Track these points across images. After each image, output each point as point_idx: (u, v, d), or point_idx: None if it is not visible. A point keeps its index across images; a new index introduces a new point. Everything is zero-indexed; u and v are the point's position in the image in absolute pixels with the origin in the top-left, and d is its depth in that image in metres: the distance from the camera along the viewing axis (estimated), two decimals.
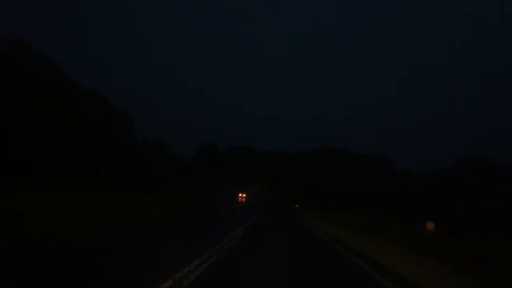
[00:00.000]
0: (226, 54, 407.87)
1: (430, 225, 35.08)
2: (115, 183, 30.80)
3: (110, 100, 43.49)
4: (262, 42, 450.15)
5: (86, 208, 17.00)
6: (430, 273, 9.99)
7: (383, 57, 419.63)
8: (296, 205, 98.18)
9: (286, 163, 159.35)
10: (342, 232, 23.46)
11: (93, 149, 29.61)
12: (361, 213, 60.33)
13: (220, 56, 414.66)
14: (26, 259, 7.19)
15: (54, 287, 5.55)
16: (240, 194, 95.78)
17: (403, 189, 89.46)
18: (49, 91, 25.97)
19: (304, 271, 8.82)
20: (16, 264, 6.78)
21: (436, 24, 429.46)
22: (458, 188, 77.65)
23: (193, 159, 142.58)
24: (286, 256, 10.97)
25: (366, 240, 18.88)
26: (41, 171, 22.26)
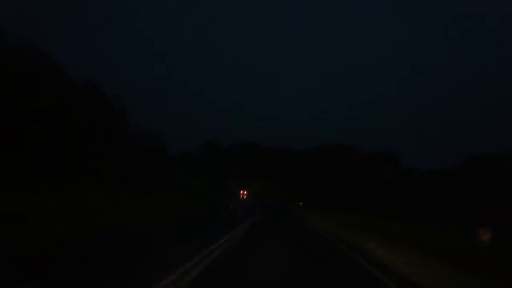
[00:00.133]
0: (226, 54, 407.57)
1: (485, 234, 26.73)
2: (115, 183, 30.78)
3: (106, 92, 42.67)
4: (262, 42, 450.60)
5: (86, 208, 16.97)
6: None
7: (383, 57, 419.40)
8: (300, 203, 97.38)
9: (288, 161, 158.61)
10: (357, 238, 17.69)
11: (93, 149, 29.60)
12: (361, 213, 59.89)
13: (220, 56, 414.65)
14: (26, 259, 7.19)
15: (54, 287, 5.55)
16: (242, 192, 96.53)
17: (410, 188, 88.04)
18: (49, 91, 25.95)
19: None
20: (16, 264, 6.78)
21: (436, 24, 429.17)
22: (465, 187, 75.96)
23: (193, 159, 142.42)
24: (286, 255, 10.97)
25: (403, 258, 11.68)
26: (41, 171, 22.25)
